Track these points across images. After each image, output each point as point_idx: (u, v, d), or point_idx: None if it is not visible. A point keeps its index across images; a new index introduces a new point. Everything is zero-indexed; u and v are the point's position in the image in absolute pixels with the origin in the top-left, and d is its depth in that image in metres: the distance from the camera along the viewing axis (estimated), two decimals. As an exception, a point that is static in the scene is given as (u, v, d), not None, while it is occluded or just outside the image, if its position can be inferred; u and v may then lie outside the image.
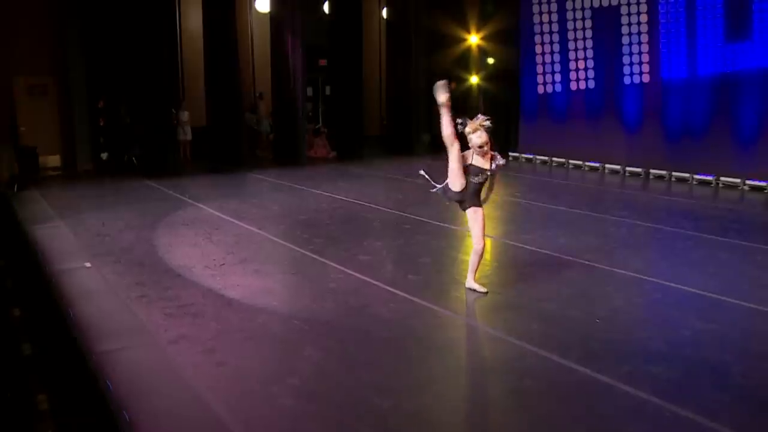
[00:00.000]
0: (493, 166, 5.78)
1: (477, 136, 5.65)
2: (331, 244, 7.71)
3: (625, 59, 13.44)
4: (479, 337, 5.06)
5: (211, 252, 7.29)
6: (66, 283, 6.16)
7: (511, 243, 7.82)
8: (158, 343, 4.73)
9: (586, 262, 6.84)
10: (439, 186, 5.99)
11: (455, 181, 5.78)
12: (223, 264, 6.79)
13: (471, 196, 5.84)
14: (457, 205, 6.11)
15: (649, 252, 7.59)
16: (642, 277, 6.33)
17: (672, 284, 6.06)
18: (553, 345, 4.69)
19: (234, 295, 5.80)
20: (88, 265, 6.71)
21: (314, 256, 7.13)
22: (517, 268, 6.76)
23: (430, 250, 7.57)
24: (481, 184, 5.83)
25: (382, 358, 4.58)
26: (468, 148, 5.73)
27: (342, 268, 6.62)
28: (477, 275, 5.99)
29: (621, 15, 13.32)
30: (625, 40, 13.35)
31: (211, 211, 9.69)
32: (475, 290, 5.88)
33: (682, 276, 6.30)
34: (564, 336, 4.89)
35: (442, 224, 8.82)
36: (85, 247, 7.54)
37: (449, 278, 6.53)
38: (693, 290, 5.86)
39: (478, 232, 5.84)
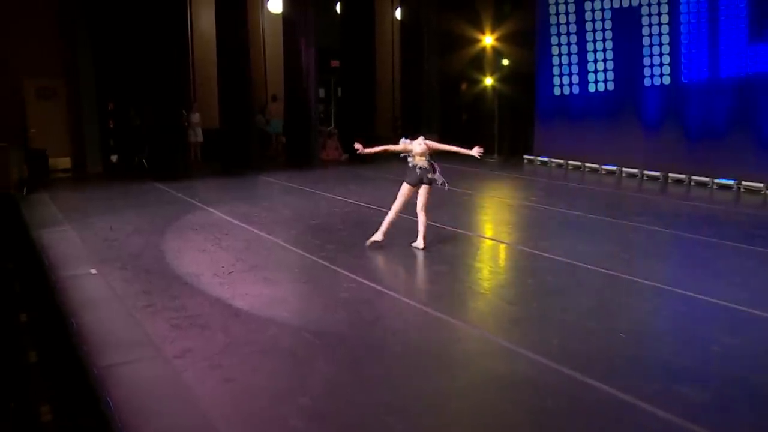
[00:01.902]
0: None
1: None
2: (343, 250, 7.55)
3: (646, 61, 13.19)
4: (497, 351, 4.86)
5: (220, 258, 7.16)
6: (71, 290, 6.04)
7: (528, 250, 7.62)
8: (163, 357, 4.58)
9: (606, 271, 6.63)
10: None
11: None
12: (232, 271, 6.64)
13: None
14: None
15: (670, 260, 7.37)
16: (665, 287, 6.11)
17: (697, 295, 5.83)
18: (575, 361, 4.49)
19: (242, 305, 5.65)
20: (93, 271, 6.59)
21: (326, 263, 6.97)
22: (534, 276, 6.56)
23: (444, 257, 7.38)
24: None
25: (396, 374, 4.41)
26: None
27: (354, 277, 6.45)
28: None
29: (642, 15, 13.08)
30: (646, 41, 13.10)
31: (221, 215, 9.56)
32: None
33: (706, 286, 6.07)
34: (585, 351, 4.69)
35: (457, 230, 8.64)
36: (92, 253, 7.43)
37: (465, 288, 6.34)
38: (720, 302, 5.63)
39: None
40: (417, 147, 7.59)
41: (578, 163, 14.83)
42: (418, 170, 7.56)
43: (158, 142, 13.89)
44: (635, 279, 6.34)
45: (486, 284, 6.52)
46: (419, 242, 7.49)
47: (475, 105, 17.40)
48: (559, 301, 5.77)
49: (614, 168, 13.97)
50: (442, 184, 7.61)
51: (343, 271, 6.67)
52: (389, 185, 11.98)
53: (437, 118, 17.35)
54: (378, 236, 7.57)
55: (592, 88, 14.66)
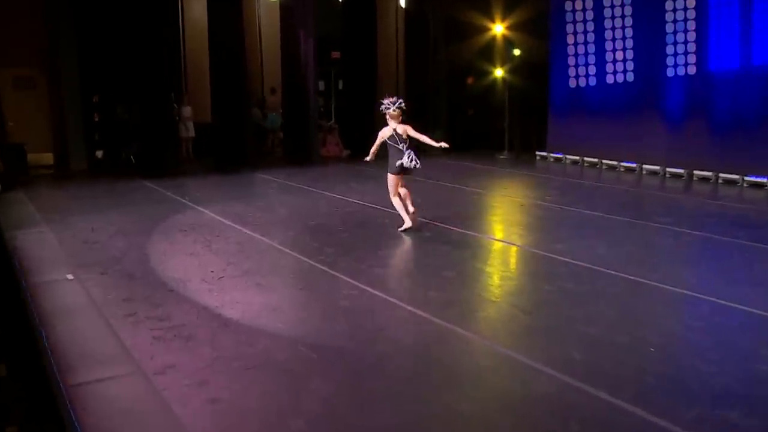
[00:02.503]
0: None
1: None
2: (343, 253, 7.27)
3: (669, 49, 12.85)
4: (512, 366, 4.57)
5: (210, 262, 6.88)
6: (44, 297, 5.77)
7: (543, 253, 7.32)
8: (142, 374, 4.30)
9: (631, 277, 6.34)
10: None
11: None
12: (222, 277, 6.37)
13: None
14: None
15: (701, 265, 7.07)
16: (697, 295, 5.81)
17: (734, 305, 5.53)
18: (601, 379, 4.20)
19: (232, 315, 5.37)
20: (70, 277, 6.31)
21: (324, 267, 6.69)
22: (551, 282, 6.26)
23: (452, 261, 7.10)
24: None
25: (401, 393, 4.12)
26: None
27: (355, 283, 6.17)
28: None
29: (665, 0, 12.74)
30: (670, 28, 12.76)
31: (213, 215, 9.29)
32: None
33: (744, 295, 5.77)
34: (612, 368, 4.40)
35: (465, 232, 8.36)
36: (70, 256, 7.16)
37: (475, 295, 6.06)
38: (761, 312, 5.32)
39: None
40: (397, 128, 8.16)
41: (595, 160, 14.52)
42: (397, 163, 8.12)
43: (147, 137, 13.60)
44: (664, 286, 6.04)
45: (498, 291, 6.23)
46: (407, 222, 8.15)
47: (484, 98, 17.08)
48: (580, 311, 5.48)
49: (634, 165, 13.66)
50: (415, 165, 8.14)
51: (343, 276, 6.38)
52: (393, 183, 11.70)
53: (444, 112, 17.05)
54: (408, 223, 8.11)
55: (610, 79, 14.33)
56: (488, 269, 7.02)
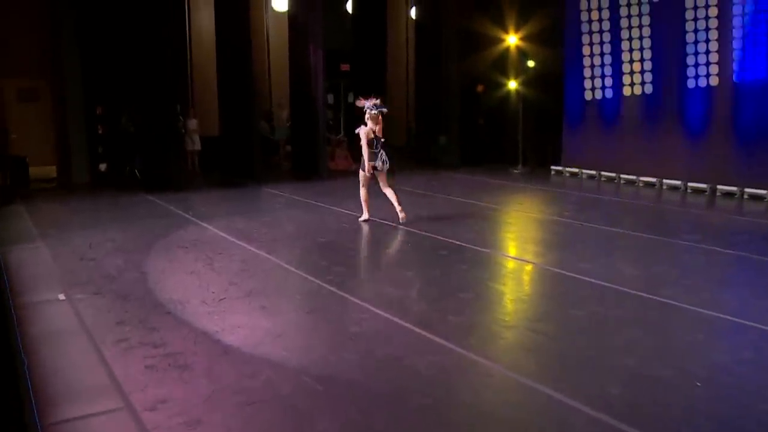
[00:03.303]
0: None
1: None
2: (354, 273, 6.83)
3: (690, 59, 12.38)
4: (543, 403, 4.09)
5: (211, 282, 6.44)
6: (31, 320, 5.34)
7: (568, 273, 6.82)
8: (131, 410, 3.85)
9: (665, 300, 5.85)
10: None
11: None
12: (224, 298, 5.92)
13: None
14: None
15: (740, 287, 6.56)
16: (741, 321, 5.31)
17: (783, 332, 5.03)
18: (644, 419, 3.73)
19: (233, 341, 4.91)
20: (61, 297, 5.89)
21: (333, 288, 6.23)
22: (579, 306, 5.77)
23: (471, 282, 6.63)
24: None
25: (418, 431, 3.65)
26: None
27: (367, 306, 5.70)
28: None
29: (686, 9, 12.28)
30: (690, 37, 12.30)
31: (216, 230, 8.86)
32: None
33: (792, 321, 5.27)
34: (656, 406, 3.91)
35: (481, 249, 7.90)
36: (64, 274, 6.74)
37: (496, 320, 5.58)
38: (813, 342, 4.83)
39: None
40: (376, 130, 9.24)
41: (612, 175, 14.02)
42: (376, 164, 9.11)
43: (152, 150, 13.22)
44: (703, 311, 5.55)
45: (521, 315, 5.75)
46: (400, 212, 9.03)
47: (497, 110, 16.64)
48: (614, 339, 4.99)
49: (653, 180, 13.16)
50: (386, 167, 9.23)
51: (353, 298, 5.92)
52: (405, 198, 11.28)
53: (456, 125, 16.59)
54: (366, 215, 9.18)
55: (627, 91, 13.86)
56: (508, 290, 6.56)
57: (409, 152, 18.19)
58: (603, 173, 14.25)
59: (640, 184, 13.39)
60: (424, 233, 8.69)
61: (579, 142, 15.00)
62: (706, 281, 6.64)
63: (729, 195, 11.81)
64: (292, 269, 7.01)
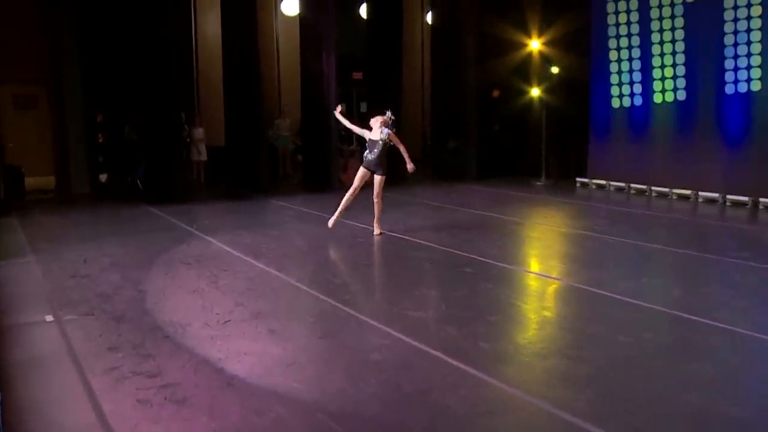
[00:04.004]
0: (382, 136, 8.82)
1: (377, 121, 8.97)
2: (371, 293, 6.36)
3: (728, 63, 11.88)
4: (597, 447, 3.60)
5: (215, 302, 5.98)
6: (12, 344, 4.90)
7: (607, 294, 6.31)
8: (117, 455, 3.38)
9: (722, 326, 5.33)
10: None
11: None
12: (229, 320, 5.46)
13: (376, 165, 8.98)
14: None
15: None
16: (812, 350, 4.80)
17: None
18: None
19: (238, 371, 4.45)
20: (49, 318, 5.45)
21: (349, 310, 5.76)
22: (625, 332, 5.26)
23: (499, 303, 6.15)
24: (381, 153, 8.94)
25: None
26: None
27: (388, 330, 5.22)
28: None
29: (724, 9, 11.79)
30: (729, 39, 11.80)
31: (221, 245, 8.43)
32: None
33: None
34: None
35: (508, 266, 7.44)
36: (53, 292, 6.32)
37: (533, 347, 5.08)
38: None
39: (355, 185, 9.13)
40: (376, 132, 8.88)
41: (643, 187, 13.51)
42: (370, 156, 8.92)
43: (155, 159, 12.83)
44: (765, 337, 5.03)
45: (560, 342, 5.23)
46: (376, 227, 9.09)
47: (519, 118, 16.18)
48: (672, 371, 4.49)
49: (688, 192, 12.63)
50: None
51: (372, 321, 5.44)
52: (424, 211, 10.87)
53: (474, 133, 16.11)
54: (331, 223, 9.18)
55: (658, 98, 13.37)
56: (542, 312, 6.06)
57: (425, 165, 17.76)
58: (632, 185, 13.74)
59: (674, 197, 12.86)
60: (445, 249, 8.23)
61: (606, 153, 14.50)
62: (763, 303, 6.12)
63: (772, 208, 11.27)
64: (304, 288, 6.54)
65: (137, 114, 13.62)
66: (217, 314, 5.61)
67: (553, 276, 7.24)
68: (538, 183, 15.07)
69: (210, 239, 8.81)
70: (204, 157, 14.99)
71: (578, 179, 14.96)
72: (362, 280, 6.79)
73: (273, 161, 15.89)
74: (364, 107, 19.00)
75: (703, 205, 12.24)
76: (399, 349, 4.89)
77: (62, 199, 12.44)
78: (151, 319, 5.54)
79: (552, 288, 6.88)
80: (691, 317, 5.54)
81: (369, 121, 9.09)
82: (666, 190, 13.04)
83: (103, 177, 14.03)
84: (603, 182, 14.35)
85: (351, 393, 4.17)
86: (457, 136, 16.01)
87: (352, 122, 9.49)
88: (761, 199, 11.44)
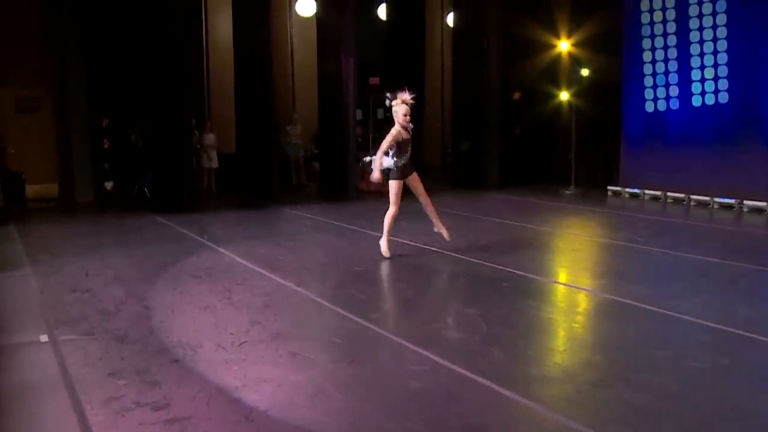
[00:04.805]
0: (410, 132, 7.58)
1: (402, 106, 7.43)
2: (402, 310, 5.84)
3: (776, 63, 11.33)
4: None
5: (229, 320, 5.47)
6: (3, 368, 4.39)
7: (666, 312, 5.73)
8: None
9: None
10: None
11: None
12: (245, 342, 4.94)
13: (410, 167, 7.71)
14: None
15: None
16: None
17: None
18: None
19: (257, 401, 3.92)
20: (43, 338, 4.95)
21: (380, 330, 5.22)
22: (695, 356, 4.69)
23: (545, 322, 5.60)
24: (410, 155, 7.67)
25: None
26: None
27: (426, 353, 4.68)
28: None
29: (770, 5, 11.27)
30: (777, 38, 11.26)
31: (234, 257, 7.92)
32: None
33: None
34: None
35: (549, 280, 6.93)
36: (51, 309, 5.82)
37: (596, 374, 4.50)
38: None
39: (395, 200, 7.66)
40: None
41: (681, 196, 12.90)
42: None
43: (164, 167, 12.37)
44: None
45: (623, 366, 4.63)
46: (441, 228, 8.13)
47: (548, 123, 15.64)
48: (757, 402, 3.92)
49: (732, 201, 12.02)
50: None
51: (407, 343, 4.90)
52: (448, 221, 10.30)
53: (496, 139, 15.55)
54: (385, 250, 7.76)
55: (697, 101, 12.80)
56: (596, 333, 5.49)
57: (446, 173, 17.26)
58: (669, 194, 13.14)
59: (716, 206, 12.25)
60: (477, 261, 7.68)
61: (639, 160, 13.92)
62: None
63: (825, 218, 10.65)
64: (326, 304, 6.01)
65: (144, 119, 13.23)
66: (232, 334, 5.09)
67: (601, 292, 6.65)
68: (568, 192, 14.49)
69: (222, 250, 8.31)
70: (215, 164, 14.58)
71: (610, 188, 14.38)
72: (391, 297, 6.26)
73: (286, 169, 15.46)
74: (381, 114, 18.60)
75: (750, 215, 11.63)
76: (441, 377, 4.34)
77: (65, 208, 12.00)
78: (157, 339, 5.03)
79: (602, 305, 6.30)
80: (761, 338, 4.97)
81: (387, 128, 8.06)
82: (707, 199, 12.44)
83: (108, 185, 13.61)
84: (637, 191, 13.76)
85: (390, 429, 3.63)
86: (479, 142, 15.48)
87: (380, 146, 7.69)
88: (813, 209, 10.85)
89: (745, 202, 11.88)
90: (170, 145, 12.22)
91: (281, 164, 14.77)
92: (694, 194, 12.70)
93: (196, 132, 13.87)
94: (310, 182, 16.02)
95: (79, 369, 4.43)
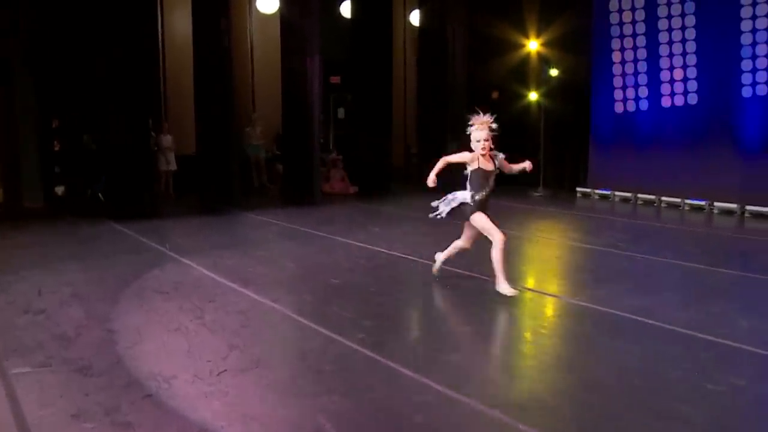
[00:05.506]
0: (496, 163, 6.30)
1: (478, 131, 6.21)
2: (391, 329, 5.42)
3: (745, 64, 11.31)
4: None
5: (204, 345, 4.97)
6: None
7: (668, 327, 5.46)
8: None
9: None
10: (447, 206, 6.40)
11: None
12: (224, 371, 4.46)
13: (488, 202, 6.34)
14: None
15: None
16: None
17: None
18: None
19: (247, 447, 3.47)
20: (-7, 374, 4.38)
21: (370, 353, 4.80)
22: (711, 377, 4.40)
23: (544, 340, 5.27)
24: (492, 189, 6.31)
25: None
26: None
27: (426, 381, 4.28)
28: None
29: (741, 6, 11.21)
30: (746, 39, 11.23)
31: (202, 269, 7.40)
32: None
33: None
34: None
35: (537, 292, 6.57)
36: None
37: (612, 400, 4.17)
38: None
39: (491, 227, 6.20)
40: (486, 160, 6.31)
41: (652, 197, 12.84)
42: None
43: (118, 170, 11.69)
44: None
45: (644, 394, 4.34)
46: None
47: (515, 125, 15.41)
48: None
49: (703, 203, 11.97)
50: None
51: (404, 369, 4.49)
52: (423, 226, 9.98)
53: (464, 139, 15.25)
54: (507, 289, 6.19)
55: (666, 102, 12.78)
56: (599, 352, 5.15)
57: (409, 174, 16.94)
58: (640, 195, 13.06)
59: (686, 208, 12.20)
60: (459, 271, 7.32)
61: (609, 161, 13.86)
62: None
63: (797, 220, 10.65)
64: (308, 323, 5.56)
65: (97, 119, 12.53)
66: (209, 362, 4.61)
67: (593, 304, 6.32)
68: (537, 194, 14.31)
69: (188, 262, 7.77)
70: (173, 167, 13.96)
71: (579, 189, 14.25)
72: (376, 313, 5.83)
73: (247, 171, 14.91)
74: (341, 113, 18.17)
75: (720, 216, 11.59)
76: (447, 408, 3.95)
77: (11, 215, 11.22)
78: (125, 369, 4.50)
79: (596, 319, 5.97)
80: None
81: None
82: (678, 200, 12.39)
83: (59, 189, 12.86)
84: (607, 192, 13.66)
85: (400, 477, 3.23)
86: (444, 142, 15.15)
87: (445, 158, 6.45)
88: (785, 210, 10.86)
89: (715, 203, 11.85)
90: (126, 147, 11.56)
91: (242, 166, 14.22)
92: (664, 196, 12.64)
93: (153, 133, 13.21)
94: (272, 184, 15.49)
95: (36, 410, 3.89)
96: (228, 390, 4.17)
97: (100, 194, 12.73)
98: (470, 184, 6.28)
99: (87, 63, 12.11)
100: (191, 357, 4.71)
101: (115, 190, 11.90)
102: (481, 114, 6.21)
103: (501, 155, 6.35)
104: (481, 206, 6.27)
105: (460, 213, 6.37)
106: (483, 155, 6.21)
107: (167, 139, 13.84)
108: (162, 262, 7.79)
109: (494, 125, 6.22)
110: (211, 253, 8.33)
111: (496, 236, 6.13)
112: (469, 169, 6.26)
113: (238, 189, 13.24)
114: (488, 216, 6.27)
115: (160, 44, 14.25)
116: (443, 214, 6.45)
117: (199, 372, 4.43)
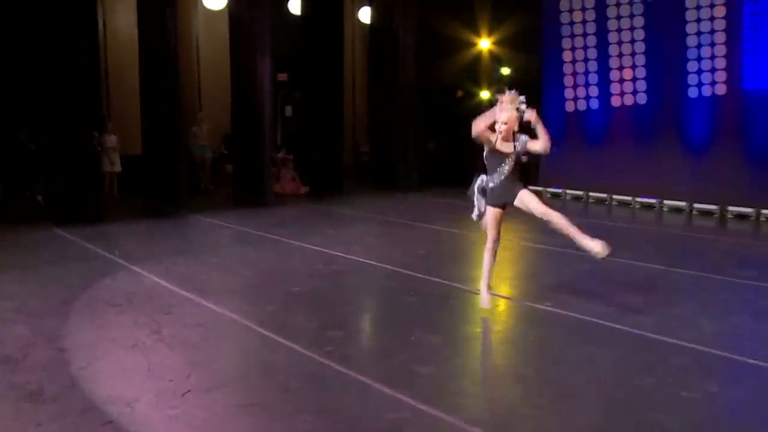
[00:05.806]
0: (517, 146, 5.84)
1: (503, 112, 5.80)
2: (359, 339, 5.30)
3: (691, 66, 11.56)
4: None
5: (164, 362, 4.73)
6: None
7: (636, 332, 5.49)
8: None
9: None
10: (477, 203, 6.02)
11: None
12: (188, 391, 4.24)
13: (508, 190, 5.86)
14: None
15: None
16: None
17: None
18: None
19: (220, 477, 3.27)
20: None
21: (340, 367, 4.64)
22: (684, 383, 4.43)
23: (517, 349, 5.21)
24: (512, 172, 5.88)
25: None
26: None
27: (399, 396, 4.16)
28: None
29: (687, 9, 11.45)
30: (692, 41, 11.48)
31: (155, 278, 7.09)
32: None
33: None
34: None
35: (503, 297, 6.52)
36: (-60, 358, 4.86)
37: (596, 415, 4.13)
38: None
39: (540, 207, 5.83)
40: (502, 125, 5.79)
41: (603, 195, 13.01)
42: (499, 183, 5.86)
43: (59, 171, 11.15)
44: None
45: (630, 410, 4.32)
46: (590, 245, 5.73)
47: (462, 124, 15.43)
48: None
49: (653, 201, 12.19)
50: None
51: (375, 384, 4.36)
52: (378, 228, 9.92)
53: (412, 138, 15.20)
54: (485, 301, 5.92)
55: (616, 101, 12.97)
56: (577, 361, 5.12)
57: (360, 173, 16.83)
58: (591, 194, 13.24)
59: (637, 206, 12.41)
60: (420, 276, 7.23)
61: (560, 160, 13.90)
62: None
63: (742, 217, 10.93)
64: (272, 336, 5.36)
65: (34, 118, 11.94)
66: (171, 381, 4.38)
67: (558, 308, 6.31)
68: (488, 192, 14.34)
69: (139, 270, 7.44)
70: (117, 168, 13.47)
71: (530, 187, 14.29)
72: (341, 323, 5.67)
73: (193, 172, 14.49)
74: (289, 111, 17.90)
75: (670, 214, 11.82)
76: (425, 426, 3.83)
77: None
78: (81, 393, 4.23)
79: (563, 324, 5.95)
80: (745, 359, 4.80)
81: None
82: (629, 198, 12.59)
83: (-7, 193, 12.27)
84: (558, 190, 13.79)
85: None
86: (393, 141, 15.09)
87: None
88: (730, 208, 11.11)
89: (665, 201, 12.08)
90: (65, 147, 11.03)
91: (188, 166, 13.79)
92: (615, 194, 12.83)
93: (95, 133, 12.68)
94: (214, 186, 15.01)
95: (-14, 442, 3.62)
96: (194, 413, 3.96)
97: (38, 197, 12.17)
98: (487, 166, 5.89)
99: (23, 60, 11.51)
100: (152, 377, 4.47)
101: (56, 192, 11.36)
102: (508, 91, 5.81)
103: (524, 137, 5.87)
104: (494, 196, 5.88)
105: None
106: (500, 137, 5.74)
107: (111, 140, 13.33)
108: (111, 270, 7.44)
109: (523, 106, 5.83)
110: (163, 259, 8.01)
111: (488, 240, 6.02)
112: (486, 149, 5.85)
113: (185, 190, 12.84)
114: (503, 209, 5.92)
115: (101, 40, 13.71)
116: (476, 217, 6.18)
117: (162, 393, 4.21)
